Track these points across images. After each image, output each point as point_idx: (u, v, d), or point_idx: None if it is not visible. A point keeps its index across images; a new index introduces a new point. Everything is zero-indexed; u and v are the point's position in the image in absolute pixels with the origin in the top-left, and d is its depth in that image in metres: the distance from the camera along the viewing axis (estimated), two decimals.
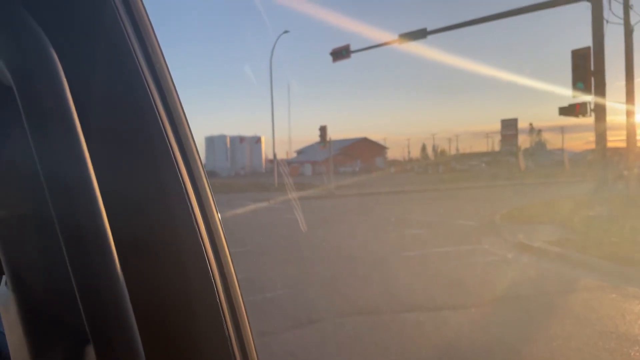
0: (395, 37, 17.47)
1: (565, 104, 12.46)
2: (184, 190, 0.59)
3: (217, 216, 0.63)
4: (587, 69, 11.85)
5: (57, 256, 0.52)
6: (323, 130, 25.79)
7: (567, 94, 12.36)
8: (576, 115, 12.23)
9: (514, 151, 42.39)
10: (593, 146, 13.29)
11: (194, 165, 0.61)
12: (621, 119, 13.96)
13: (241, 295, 0.63)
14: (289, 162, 43.07)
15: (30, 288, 0.54)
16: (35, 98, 0.46)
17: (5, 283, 0.67)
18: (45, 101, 0.46)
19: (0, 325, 0.71)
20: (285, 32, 31.64)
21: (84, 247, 0.46)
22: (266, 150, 57.55)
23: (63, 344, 0.54)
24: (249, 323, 0.64)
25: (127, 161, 0.56)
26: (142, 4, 0.60)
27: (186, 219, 0.58)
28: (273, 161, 31.35)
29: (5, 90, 0.50)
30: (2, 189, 0.52)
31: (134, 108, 0.57)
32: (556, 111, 12.80)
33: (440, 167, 49.91)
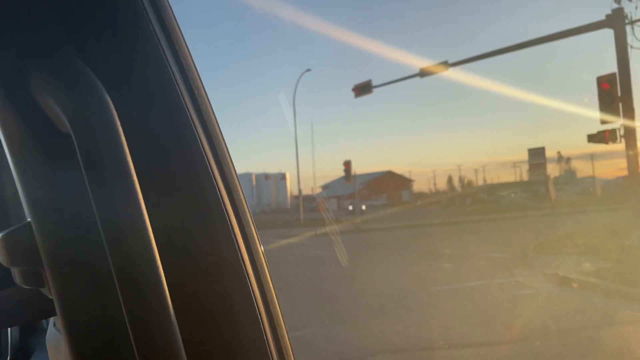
0: (419, 64, 17.50)
1: (593, 131, 12.24)
2: (233, 237, 0.59)
3: (263, 257, 0.63)
4: (613, 95, 11.67)
5: (110, 300, 0.52)
6: (348, 164, 25.82)
7: (595, 121, 12.17)
8: (606, 142, 11.97)
9: (543, 180, 41.49)
10: (625, 173, 12.95)
11: (241, 210, 0.62)
12: None
13: (290, 341, 0.63)
14: (314, 198, 43.17)
15: (81, 330, 0.54)
16: (93, 146, 0.47)
17: (54, 324, 0.67)
18: (103, 149, 0.47)
19: None
20: (308, 70, 32.17)
21: (140, 294, 0.46)
22: (291, 187, 57.88)
23: None
24: None
25: (179, 208, 0.57)
26: (189, 52, 0.62)
27: (236, 265, 0.59)
28: (298, 197, 31.41)
29: (63, 138, 0.51)
30: (58, 233, 0.53)
31: (184, 156, 0.59)
32: (584, 138, 12.54)
33: (468, 198, 49.13)
